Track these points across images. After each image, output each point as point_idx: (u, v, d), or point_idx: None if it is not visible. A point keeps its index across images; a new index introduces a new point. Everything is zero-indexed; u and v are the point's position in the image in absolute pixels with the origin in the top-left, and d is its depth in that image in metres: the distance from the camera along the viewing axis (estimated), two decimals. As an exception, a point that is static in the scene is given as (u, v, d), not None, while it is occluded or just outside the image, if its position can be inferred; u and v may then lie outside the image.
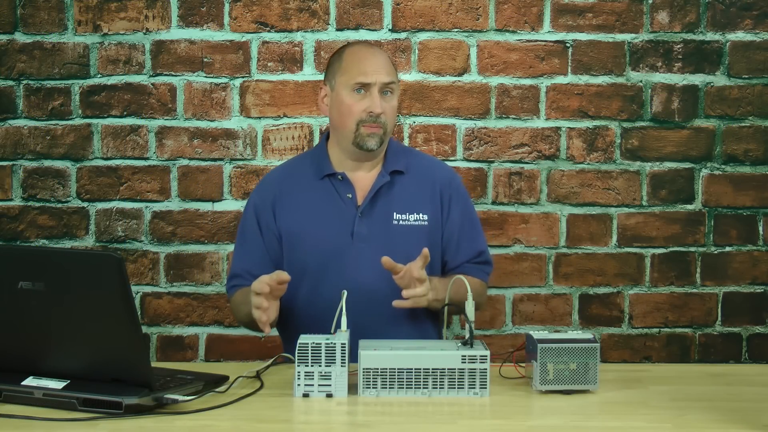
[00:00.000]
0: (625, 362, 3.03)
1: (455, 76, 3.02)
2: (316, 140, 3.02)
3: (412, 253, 2.27)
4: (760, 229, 3.06)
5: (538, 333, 2.01)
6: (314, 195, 2.40)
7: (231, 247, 3.02)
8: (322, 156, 2.44)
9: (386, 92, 2.35)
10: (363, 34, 3.01)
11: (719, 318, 3.06)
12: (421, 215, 2.40)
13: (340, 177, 2.39)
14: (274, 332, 2.94)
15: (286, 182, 2.45)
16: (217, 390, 1.93)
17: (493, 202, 3.03)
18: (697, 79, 3.03)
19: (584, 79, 3.02)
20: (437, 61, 3.02)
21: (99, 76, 3.03)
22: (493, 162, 3.03)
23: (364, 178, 2.41)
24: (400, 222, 2.38)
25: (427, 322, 2.39)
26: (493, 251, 2.93)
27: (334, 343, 1.91)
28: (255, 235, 2.42)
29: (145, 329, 3.01)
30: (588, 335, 2.00)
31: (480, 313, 2.51)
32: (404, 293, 2.18)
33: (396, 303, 2.20)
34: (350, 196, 2.38)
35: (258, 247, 2.41)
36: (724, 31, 3.02)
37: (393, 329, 2.27)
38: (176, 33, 3.02)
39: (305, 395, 1.91)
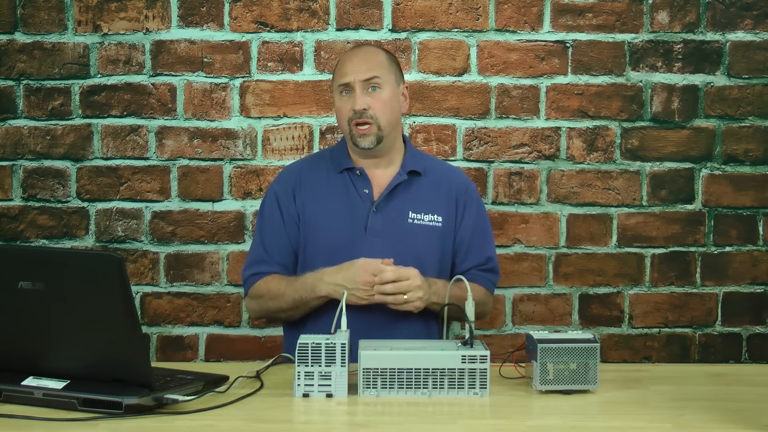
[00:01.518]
0: (625, 362, 3.02)
1: (455, 76, 3.02)
2: (316, 140, 3.02)
3: (423, 252, 2.34)
4: (760, 229, 3.06)
5: (538, 333, 2.01)
6: (332, 187, 2.44)
7: (231, 247, 3.02)
8: (342, 152, 2.49)
9: (373, 88, 2.39)
10: (363, 34, 3.01)
11: (719, 318, 3.06)
12: (435, 216, 2.43)
13: (358, 172, 2.44)
14: (275, 331, 2.93)
15: (306, 173, 2.49)
16: (217, 390, 1.93)
17: (493, 202, 3.03)
18: (697, 79, 3.03)
19: (584, 79, 3.02)
20: (437, 61, 3.02)
21: (99, 76, 3.03)
22: (493, 162, 3.03)
23: (382, 176, 2.45)
24: (415, 221, 2.41)
25: (432, 318, 2.40)
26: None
27: (334, 343, 1.91)
28: (276, 222, 2.45)
29: (145, 329, 3.01)
30: (588, 335, 2.00)
31: (481, 320, 2.52)
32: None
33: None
34: (367, 191, 2.42)
35: (280, 232, 2.44)
36: (724, 31, 3.02)
37: (400, 323, 2.29)
38: (176, 33, 3.02)
39: (305, 395, 1.91)
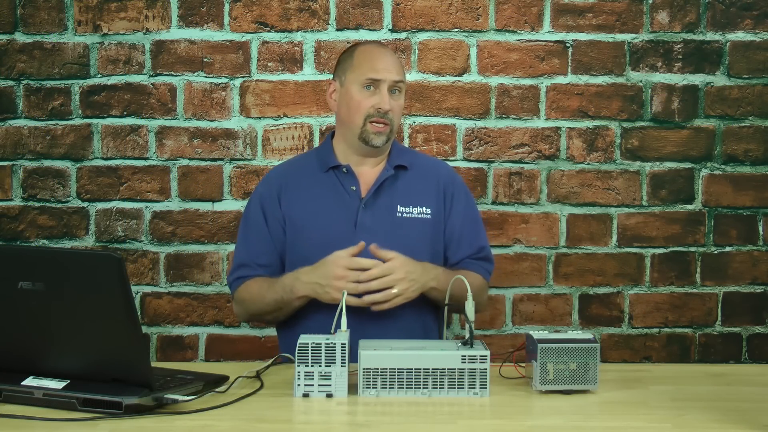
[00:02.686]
0: (625, 362, 3.03)
1: (455, 76, 3.02)
2: (316, 140, 3.02)
3: (414, 245, 2.35)
4: (760, 229, 3.06)
5: (538, 333, 2.01)
6: (319, 186, 2.44)
7: (231, 247, 3.02)
8: (327, 151, 2.49)
9: (394, 91, 2.41)
10: (363, 34, 3.01)
11: (719, 318, 3.06)
12: (424, 209, 2.43)
13: (344, 170, 2.44)
14: (275, 331, 2.93)
15: (291, 174, 2.49)
16: (217, 390, 1.93)
17: (493, 202, 3.04)
18: (697, 79, 3.03)
19: (584, 79, 3.02)
20: (437, 61, 3.02)
21: (99, 76, 3.03)
22: (493, 162, 3.03)
23: (368, 172, 2.45)
24: (404, 214, 2.42)
25: (428, 313, 2.40)
26: (493, 251, 2.93)
27: (334, 343, 1.91)
28: (260, 225, 2.44)
29: (145, 329, 3.01)
30: (588, 335, 2.00)
31: (480, 313, 2.52)
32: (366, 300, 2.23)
33: (374, 308, 2.24)
34: (354, 188, 2.42)
35: (263, 236, 2.44)
36: (724, 31, 3.02)
37: (395, 319, 2.29)
38: (176, 33, 3.02)
39: (305, 395, 1.91)
